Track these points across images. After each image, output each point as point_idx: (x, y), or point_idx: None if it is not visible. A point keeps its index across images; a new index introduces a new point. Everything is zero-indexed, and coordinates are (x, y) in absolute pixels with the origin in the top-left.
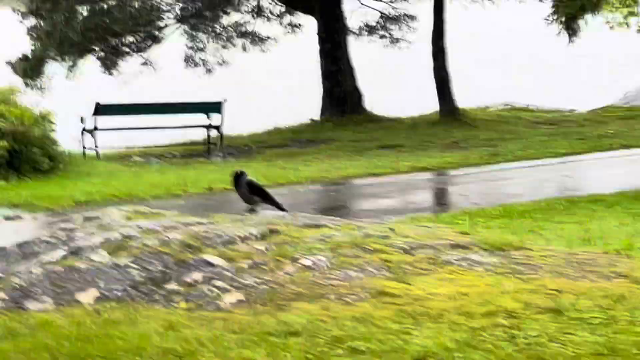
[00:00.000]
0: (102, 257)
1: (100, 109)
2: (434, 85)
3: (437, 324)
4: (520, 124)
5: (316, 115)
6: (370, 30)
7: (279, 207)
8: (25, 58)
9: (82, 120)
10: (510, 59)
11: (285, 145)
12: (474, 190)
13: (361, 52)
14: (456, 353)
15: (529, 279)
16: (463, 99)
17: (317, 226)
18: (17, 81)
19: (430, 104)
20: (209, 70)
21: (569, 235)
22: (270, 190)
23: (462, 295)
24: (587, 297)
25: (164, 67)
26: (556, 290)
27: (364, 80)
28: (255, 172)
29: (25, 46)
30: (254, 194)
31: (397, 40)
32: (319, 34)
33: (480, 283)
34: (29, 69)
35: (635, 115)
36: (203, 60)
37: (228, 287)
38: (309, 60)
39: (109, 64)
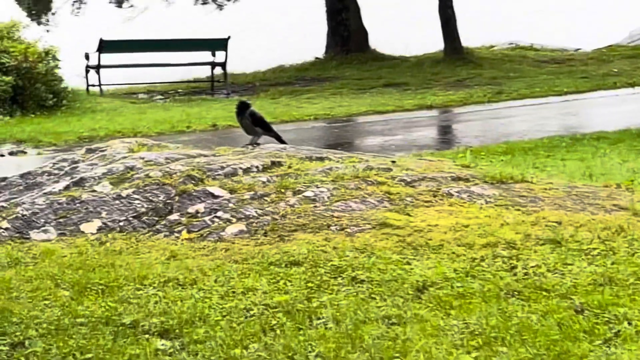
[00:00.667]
0: (104, 188)
1: (104, 46)
2: (440, 23)
3: (437, 254)
4: (525, 62)
5: (320, 53)
6: None
7: (280, 140)
8: None
9: (86, 56)
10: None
11: (289, 83)
12: (477, 127)
13: None
14: (455, 282)
15: (530, 211)
16: (468, 37)
17: (320, 159)
18: (22, 16)
19: (435, 43)
20: (219, 7)
21: (572, 171)
22: (275, 127)
23: (463, 226)
24: (587, 229)
25: (176, 2)
26: (556, 222)
27: (369, 18)
28: (260, 109)
29: None
30: (257, 125)
31: None
32: None
33: (481, 215)
34: (34, 3)
35: None
36: None
37: (230, 217)
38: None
39: None
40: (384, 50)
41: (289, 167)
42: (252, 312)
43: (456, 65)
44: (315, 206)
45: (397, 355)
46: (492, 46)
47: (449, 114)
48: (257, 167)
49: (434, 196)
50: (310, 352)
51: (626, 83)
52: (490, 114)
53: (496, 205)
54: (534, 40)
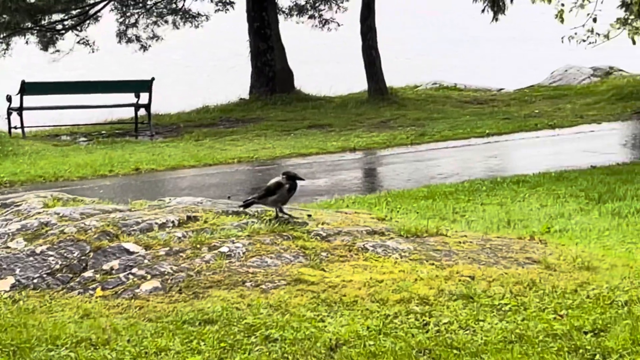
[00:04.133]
0: (19, 244)
1: (26, 88)
2: (363, 64)
3: (350, 310)
4: (449, 103)
5: (245, 94)
6: (300, 10)
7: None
8: None
9: (8, 99)
10: (440, 38)
11: (213, 124)
12: (400, 170)
13: (291, 32)
14: (368, 341)
15: (444, 265)
16: (392, 77)
17: (236, 213)
18: None
19: (359, 84)
20: (143, 47)
21: (491, 217)
22: (197, 171)
23: (377, 282)
24: (499, 284)
25: (102, 45)
26: (469, 276)
27: (293, 59)
28: (184, 151)
29: None
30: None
31: (327, 21)
32: (248, 11)
33: (395, 270)
34: None
35: (560, 95)
36: (136, 36)
37: (145, 274)
38: (239, 39)
39: (45, 42)
40: (308, 91)
41: (205, 221)
42: None
43: (380, 106)
44: (231, 262)
45: None
46: (417, 86)
47: (372, 156)
48: (172, 222)
49: (349, 251)
50: None
51: (547, 125)
52: (413, 157)
53: (410, 259)
54: (458, 80)
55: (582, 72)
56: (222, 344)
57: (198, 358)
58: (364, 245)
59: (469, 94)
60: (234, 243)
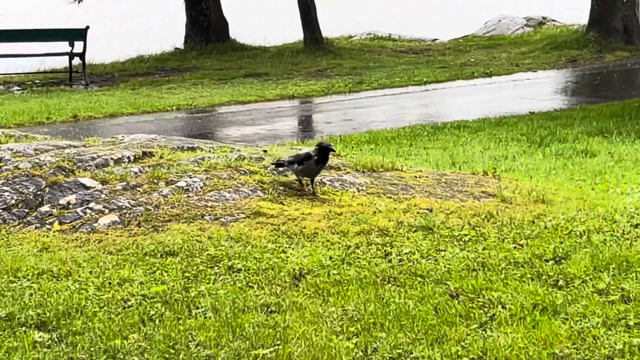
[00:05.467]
0: None
1: None
2: (299, 13)
3: (312, 242)
4: (384, 52)
5: (180, 43)
6: None
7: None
8: None
9: None
10: None
11: (149, 74)
12: (340, 117)
13: None
14: (332, 270)
15: (401, 199)
16: (327, 27)
17: (192, 149)
18: None
19: (295, 34)
20: None
21: (435, 159)
22: (136, 118)
23: (336, 214)
24: (457, 216)
25: None
26: (427, 209)
27: (228, 9)
28: (120, 100)
29: None
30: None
31: None
32: None
33: (354, 203)
34: None
35: (495, 44)
36: None
37: (103, 209)
38: None
39: None
40: (244, 41)
41: (161, 157)
42: (130, 303)
43: (316, 56)
44: (189, 196)
45: (277, 342)
46: (351, 36)
47: (311, 104)
48: (128, 157)
49: (307, 185)
50: (190, 341)
51: (483, 73)
52: (352, 104)
53: (368, 193)
54: (391, 30)
55: (515, 22)
56: (186, 274)
57: (163, 287)
58: (321, 179)
59: (403, 44)
60: (191, 178)
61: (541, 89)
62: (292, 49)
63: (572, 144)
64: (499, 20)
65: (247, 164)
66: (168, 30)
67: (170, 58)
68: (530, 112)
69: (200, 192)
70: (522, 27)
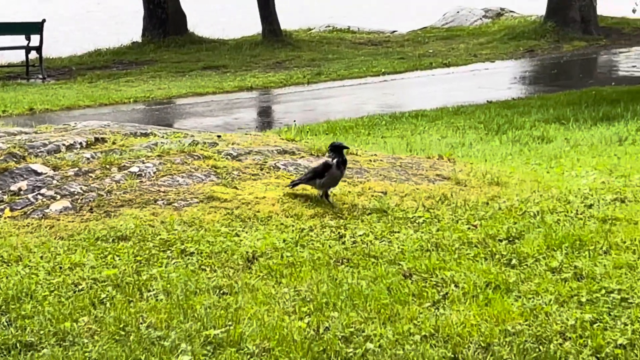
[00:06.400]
0: None
1: None
2: (257, 6)
3: (265, 225)
4: (343, 44)
5: (138, 37)
6: None
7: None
8: None
9: None
10: None
11: (107, 67)
12: (299, 108)
13: None
14: (285, 252)
15: (356, 182)
16: (285, 20)
17: (145, 134)
18: None
19: (253, 27)
20: None
21: (393, 147)
22: (93, 110)
23: (290, 198)
24: (412, 198)
25: None
26: (382, 192)
27: (186, 2)
28: (78, 93)
29: None
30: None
31: None
32: None
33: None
34: None
35: (453, 36)
36: None
37: (54, 194)
38: None
39: None
40: (202, 33)
41: (113, 143)
42: (80, 287)
43: (275, 48)
44: (142, 181)
45: (229, 323)
46: (310, 29)
47: (269, 95)
48: (80, 143)
49: (261, 169)
50: (141, 323)
51: (441, 63)
52: (310, 95)
53: None
54: (350, 23)
55: (474, 13)
56: (138, 258)
57: (114, 271)
58: (275, 164)
59: (362, 36)
60: (144, 163)
61: (499, 79)
62: (250, 42)
63: (529, 131)
64: (457, 12)
65: (201, 149)
66: (126, 24)
67: (128, 51)
68: (488, 101)
69: (153, 177)
70: (481, 19)
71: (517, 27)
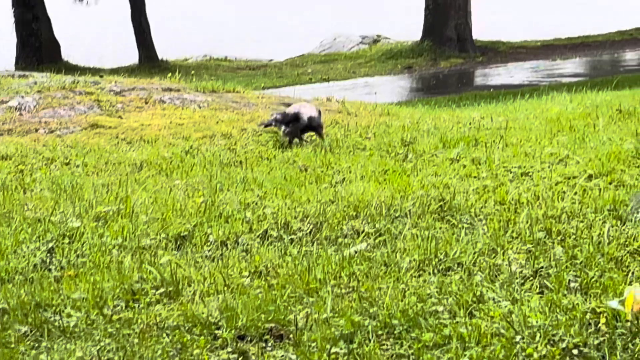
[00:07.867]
0: None
1: None
2: (134, 36)
3: (153, 145)
4: (221, 69)
5: (11, 65)
6: None
7: None
8: None
9: None
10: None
11: None
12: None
13: (57, 1)
14: (175, 160)
15: (245, 113)
16: (162, 51)
17: (24, 76)
18: None
19: (130, 57)
20: None
21: None
22: None
23: (178, 125)
24: None
25: None
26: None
27: (60, 30)
28: None
29: None
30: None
31: None
32: None
33: (195, 116)
34: None
35: (331, 60)
36: None
37: None
38: (2, 8)
39: None
40: (77, 62)
41: None
42: None
43: (152, 74)
44: (21, 114)
45: (120, 204)
46: (187, 58)
47: None
48: None
49: (146, 103)
50: (27, 210)
51: (321, 79)
52: None
53: (210, 108)
54: (227, 52)
55: (351, 39)
56: (21, 167)
57: None
58: (160, 98)
59: (240, 63)
60: (23, 98)
61: (379, 89)
62: (127, 69)
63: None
64: (335, 39)
65: (83, 86)
66: None
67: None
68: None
69: (33, 110)
70: (358, 45)
71: (395, 48)
